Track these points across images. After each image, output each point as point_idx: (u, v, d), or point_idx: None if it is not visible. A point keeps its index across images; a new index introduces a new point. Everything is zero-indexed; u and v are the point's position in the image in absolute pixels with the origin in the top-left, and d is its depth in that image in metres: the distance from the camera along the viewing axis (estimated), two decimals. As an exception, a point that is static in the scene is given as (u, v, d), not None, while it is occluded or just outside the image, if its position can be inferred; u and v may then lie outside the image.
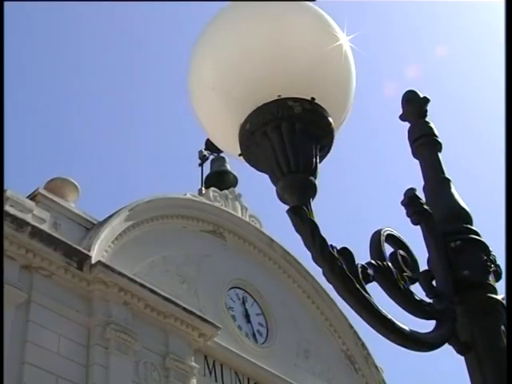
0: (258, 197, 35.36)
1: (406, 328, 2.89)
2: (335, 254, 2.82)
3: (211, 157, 21.82)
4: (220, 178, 21.12)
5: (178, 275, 16.84)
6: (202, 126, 3.15)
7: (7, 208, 14.00)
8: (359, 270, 2.86)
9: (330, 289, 19.89)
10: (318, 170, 2.95)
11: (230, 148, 3.10)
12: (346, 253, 2.85)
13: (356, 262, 2.87)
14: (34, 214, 14.62)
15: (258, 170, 3.05)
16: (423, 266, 3.29)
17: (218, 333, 16.04)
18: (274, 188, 2.94)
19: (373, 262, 2.97)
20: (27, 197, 15.01)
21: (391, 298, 3.00)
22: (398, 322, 2.87)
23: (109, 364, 13.95)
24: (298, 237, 2.86)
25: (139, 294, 15.00)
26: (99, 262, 14.61)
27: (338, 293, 2.81)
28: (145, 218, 16.77)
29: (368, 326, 2.87)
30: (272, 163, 2.93)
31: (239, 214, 19.34)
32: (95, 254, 14.79)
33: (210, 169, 21.73)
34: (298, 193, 2.87)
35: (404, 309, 3.01)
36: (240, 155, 3.06)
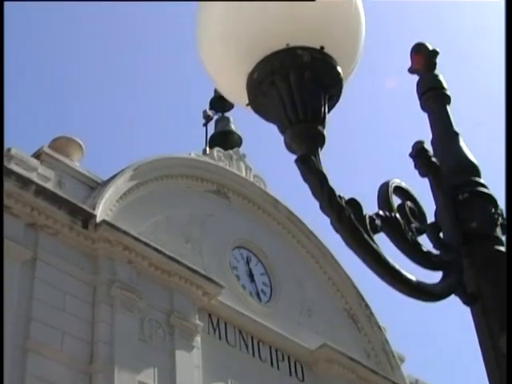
0: (262, 157, 35.33)
1: (413, 278, 2.89)
2: (343, 204, 2.81)
3: (215, 117, 21.76)
4: (224, 138, 21.07)
5: (182, 235, 16.89)
6: (210, 76, 3.12)
7: (12, 166, 14.00)
8: (367, 220, 2.85)
9: (333, 249, 19.96)
10: (327, 119, 2.93)
11: (238, 98, 3.07)
12: (354, 203, 2.84)
13: (364, 213, 2.86)
14: (39, 173, 14.64)
15: (265, 119, 3.02)
16: (431, 218, 3.28)
17: (222, 291, 16.13)
18: (281, 142, 2.92)
19: (381, 212, 2.96)
20: (32, 155, 15.01)
21: (399, 248, 3.00)
22: (405, 273, 2.87)
23: (114, 321, 14.06)
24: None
25: (144, 253, 15.07)
26: (104, 220, 14.66)
27: (345, 243, 2.80)
28: (149, 178, 16.77)
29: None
30: (280, 112, 2.90)
31: (243, 175, 19.33)
32: (100, 213, 14.83)
33: (214, 129, 21.68)
34: (306, 142, 2.84)
35: (411, 260, 3.01)
36: (248, 105, 3.03)
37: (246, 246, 18.45)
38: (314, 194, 2.79)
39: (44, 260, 13.77)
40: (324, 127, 2.90)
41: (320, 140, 2.88)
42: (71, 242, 14.34)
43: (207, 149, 19.78)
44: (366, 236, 2.79)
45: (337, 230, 2.80)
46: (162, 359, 14.51)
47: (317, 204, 2.80)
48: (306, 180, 2.82)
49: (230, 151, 19.66)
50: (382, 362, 19.28)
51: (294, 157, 2.87)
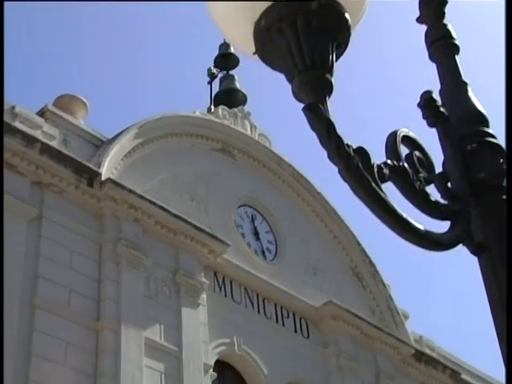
0: (267, 115, 35.20)
1: (421, 227, 2.89)
2: (351, 152, 2.79)
3: (220, 74, 21.62)
4: (229, 96, 20.96)
5: (187, 193, 16.90)
6: (217, 25, 3.08)
7: (16, 124, 13.98)
8: (375, 169, 2.83)
9: (338, 207, 19.98)
10: (335, 67, 2.89)
11: (245, 47, 3.03)
12: (361, 152, 2.82)
13: (372, 162, 2.85)
14: (44, 131, 14.61)
15: (272, 68, 2.99)
16: (439, 168, 3.26)
17: (228, 250, 16.19)
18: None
19: (389, 162, 2.94)
20: (36, 113, 14.97)
21: (407, 198, 2.98)
22: (413, 222, 2.86)
23: (120, 279, 14.14)
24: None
25: (149, 211, 15.09)
26: (109, 179, 14.66)
27: (353, 191, 2.79)
28: (154, 136, 16.74)
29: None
30: (287, 60, 2.86)
31: (248, 133, 19.27)
32: (105, 172, 14.83)
33: (219, 87, 21.55)
34: (314, 90, 2.81)
35: (419, 209, 3.00)
36: (255, 53, 3.00)
37: (251, 204, 18.48)
38: (322, 143, 2.77)
39: (50, 218, 13.81)
40: (332, 75, 2.87)
41: (328, 88, 2.84)
42: (77, 201, 14.37)
43: (212, 107, 19.69)
44: (373, 185, 2.77)
45: (344, 179, 2.79)
46: (168, 316, 14.63)
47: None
48: (313, 128, 2.79)
49: (235, 109, 19.57)
50: (387, 318, 19.41)
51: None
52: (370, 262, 19.81)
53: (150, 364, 13.79)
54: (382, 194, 2.79)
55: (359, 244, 19.83)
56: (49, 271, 13.27)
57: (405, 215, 2.84)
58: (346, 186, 2.84)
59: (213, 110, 19.28)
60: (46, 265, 13.32)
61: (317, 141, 2.84)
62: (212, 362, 15.03)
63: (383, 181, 2.87)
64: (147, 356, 13.80)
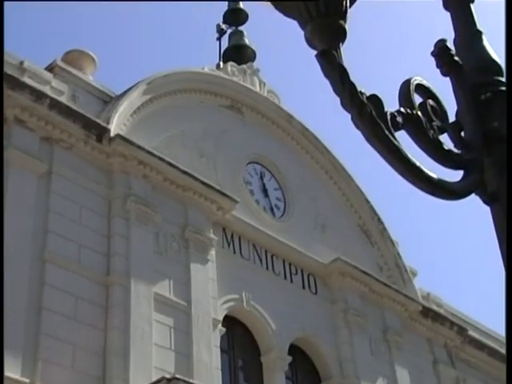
0: (276, 72, 34.96)
1: (435, 176, 2.87)
2: (364, 99, 2.76)
3: (229, 30, 21.44)
4: (238, 53, 20.82)
5: (196, 149, 16.89)
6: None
7: (25, 79, 13.93)
8: (388, 116, 2.82)
9: (347, 164, 19.95)
10: (348, 14, 2.85)
11: (258, -7, 2.99)
12: (375, 99, 2.80)
13: (385, 109, 2.83)
14: (52, 86, 14.56)
15: (285, 15, 2.95)
16: (452, 117, 3.24)
17: (236, 206, 16.22)
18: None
19: (402, 110, 2.92)
20: (45, 68, 14.91)
21: (420, 147, 2.97)
22: (426, 170, 2.85)
23: (129, 234, 14.21)
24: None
25: (158, 168, 15.10)
26: (118, 135, 14.65)
27: (366, 139, 2.77)
28: (163, 92, 16.67)
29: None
30: (300, 6, 2.83)
31: (257, 89, 19.17)
32: (114, 127, 14.81)
33: (227, 43, 21.40)
34: (327, 36, 2.78)
35: (432, 158, 2.98)
36: (268, 0, 2.96)
37: (259, 161, 18.46)
38: (335, 90, 2.75)
39: (59, 173, 13.83)
40: (345, 22, 2.83)
41: (341, 34, 2.81)
42: (86, 156, 14.38)
43: (221, 63, 19.58)
44: (386, 132, 2.76)
45: (357, 126, 2.77)
46: (177, 272, 14.72)
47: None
48: (326, 75, 2.76)
49: (244, 66, 19.45)
50: (395, 275, 19.49)
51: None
52: (379, 219, 19.83)
53: (159, 319, 13.92)
54: (395, 142, 2.78)
55: (368, 201, 19.84)
56: (58, 226, 13.34)
57: (418, 163, 2.83)
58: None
59: (222, 67, 19.17)
60: (56, 220, 13.38)
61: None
62: (221, 318, 15.15)
63: (396, 129, 2.85)
64: (156, 311, 13.91)
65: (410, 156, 2.82)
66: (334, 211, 19.37)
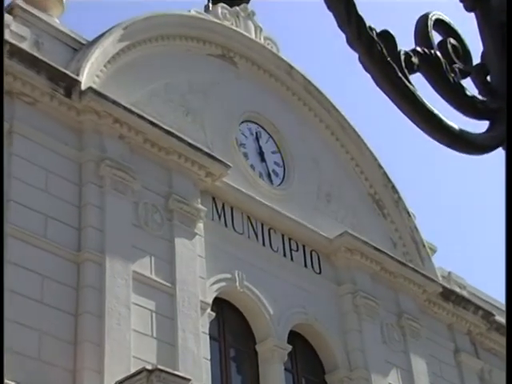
0: (274, 16, 34.72)
1: (456, 126, 2.86)
2: (374, 36, 2.74)
3: (219, -33, 21.28)
4: (230, -7, 20.70)
5: (181, 106, 16.86)
6: None
7: (-19, 23, 13.83)
8: (402, 56, 2.79)
9: (356, 123, 19.93)
10: None
11: None
12: (386, 36, 2.77)
13: (398, 48, 2.80)
14: (12, 30, 14.48)
15: None
16: (477, 59, 3.22)
17: (228, 172, 16.24)
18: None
19: (418, 49, 2.90)
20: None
21: (438, 92, 2.95)
22: (446, 119, 2.83)
23: (104, 204, 14.22)
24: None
25: (137, 127, 15.09)
26: (90, 88, 14.61)
27: (376, 83, 2.75)
28: (142, 39, 16.60)
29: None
30: None
31: (252, 36, 19.09)
32: (85, 80, 14.76)
33: (218, -18, 21.25)
34: (331, -38, 2.75)
35: (453, 105, 2.96)
36: None
37: (255, 119, 18.44)
38: (340, 24, 2.72)
39: (21, 133, 13.81)
40: None
41: (347, -40, 2.78)
42: (52, 113, 14.33)
43: (210, 5, 19.45)
44: (400, 74, 2.74)
45: (365, 68, 2.75)
46: (159, 247, 14.76)
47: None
48: (330, 8, 2.74)
49: (237, 8, 19.35)
50: (411, 252, 19.57)
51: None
52: (393, 187, 19.86)
53: (138, 301, 13.99)
54: (409, 86, 2.76)
55: (380, 167, 19.85)
56: (21, 194, 13.34)
57: (436, 111, 2.81)
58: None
59: (211, 9, 19.06)
60: (18, 187, 13.37)
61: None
62: (210, 300, 15.23)
63: (411, 71, 2.83)
64: (136, 292, 13.98)
65: (426, 102, 2.80)
66: (340, 178, 19.39)
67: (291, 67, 19.31)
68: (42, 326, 12.63)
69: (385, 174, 19.86)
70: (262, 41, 19.29)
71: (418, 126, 2.82)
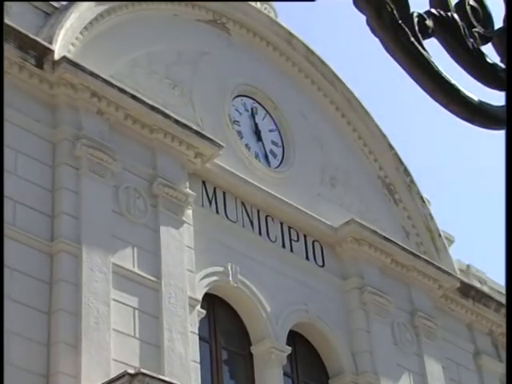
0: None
1: (475, 98, 2.88)
2: (384, -4, 2.76)
3: None
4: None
5: (167, 78, 16.86)
6: None
7: None
8: (415, 19, 2.82)
9: (365, 98, 19.94)
10: None
11: None
12: (398, -4, 2.79)
13: (411, 10, 2.83)
14: (-23, -7, 14.48)
15: None
16: (499, 24, 3.24)
17: (220, 152, 16.25)
18: None
19: (433, 11, 2.92)
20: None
21: (455, 59, 2.97)
22: (463, 89, 2.86)
23: (80, 188, 14.24)
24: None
25: (117, 101, 15.09)
26: (64, 58, 14.60)
27: (386, 48, 2.77)
28: (123, 3, 16.59)
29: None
30: None
31: (248, -1, 19.11)
32: (59, 48, 14.75)
33: None
34: None
35: (472, 74, 2.99)
36: None
37: (250, 93, 18.45)
38: (346, -17, 2.74)
39: (-12, 108, 13.82)
40: None
41: None
42: (22, 86, 14.33)
43: (199, -36, 19.44)
44: (413, 39, 2.76)
45: (374, 32, 2.77)
46: (142, 237, 14.78)
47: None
48: (334, -36, 2.75)
49: (230, -32, 19.34)
50: (425, 242, 19.63)
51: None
52: (405, 169, 19.90)
53: (119, 298, 14.02)
54: (423, 52, 2.78)
55: (391, 147, 19.89)
56: (-13, 177, 13.35)
57: (453, 80, 2.83)
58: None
59: (200, -31, 19.04)
60: (-16, 169, 13.38)
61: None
62: (200, 296, 15.28)
63: (426, 36, 2.85)
64: (116, 288, 14.01)
65: (442, 71, 2.82)
66: (347, 160, 19.43)
67: (291, 35, 19.31)
68: (10, 326, 12.65)
69: (396, 154, 19.89)
70: (259, 5, 19.28)
71: (432, 97, 2.85)
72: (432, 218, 19.84)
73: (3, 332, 11.19)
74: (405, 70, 2.82)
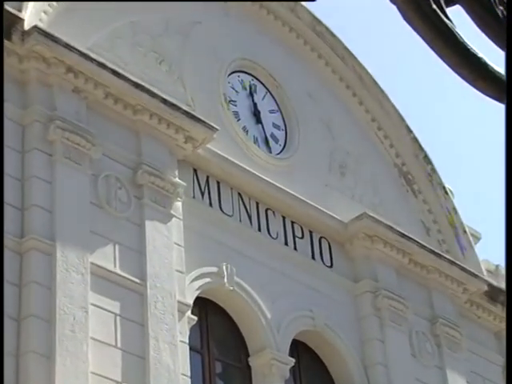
0: None
1: (503, 72, 2.91)
2: (402, -42, 2.78)
3: None
4: None
5: (153, 51, 16.87)
6: None
7: None
8: (437, -16, 2.84)
9: (379, 75, 19.94)
10: None
11: None
12: (418, -42, 2.81)
13: (433, -26, 2.84)
14: None
15: None
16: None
17: (214, 136, 16.27)
18: None
19: (458, -26, 2.94)
20: None
21: (482, 30, 2.99)
22: (492, 64, 2.88)
23: (54, 177, 14.28)
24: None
25: (96, 78, 15.10)
26: (35, 27, 14.61)
27: (404, 17, 2.80)
28: (103, -36, 16.60)
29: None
30: None
31: (245, -39, 19.10)
32: (29, 17, 14.79)
33: None
34: None
35: (501, 46, 3.01)
36: None
37: (248, 69, 18.47)
38: None
39: None
40: None
41: None
42: (-12, 60, 14.35)
43: None
44: (435, 7, 2.78)
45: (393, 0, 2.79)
46: (125, 233, 14.83)
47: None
48: None
49: None
50: (448, 240, 19.68)
51: None
52: (426, 157, 19.94)
53: (98, 302, 14.06)
54: (447, 21, 2.81)
55: (410, 130, 19.92)
56: None
57: (480, 53, 2.86)
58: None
59: None
60: None
61: None
62: (190, 301, 15.33)
63: (449, 2, 2.87)
64: (95, 291, 14.06)
65: (468, 42, 2.85)
66: (359, 145, 19.46)
67: (295, 2, 19.30)
68: (-26, 334, 12.70)
69: (415, 139, 19.92)
70: (258, -32, 19.30)
71: (457, 73, 2.87)
72: (456, 211, 19.87)
73: (3, 334, 11.25)
74: (425, 41, 2.84)
